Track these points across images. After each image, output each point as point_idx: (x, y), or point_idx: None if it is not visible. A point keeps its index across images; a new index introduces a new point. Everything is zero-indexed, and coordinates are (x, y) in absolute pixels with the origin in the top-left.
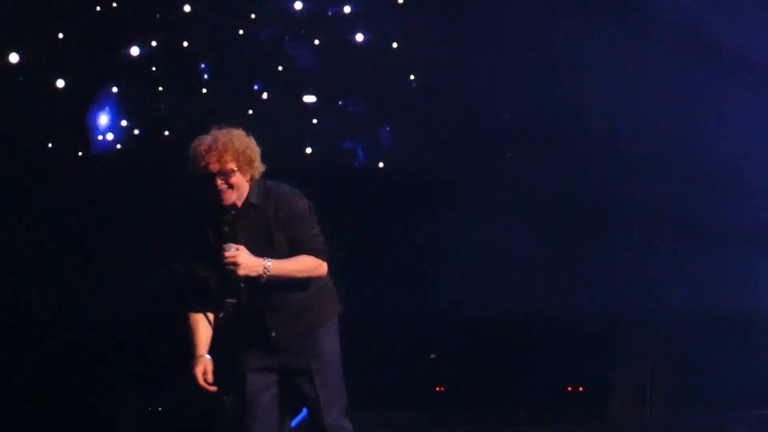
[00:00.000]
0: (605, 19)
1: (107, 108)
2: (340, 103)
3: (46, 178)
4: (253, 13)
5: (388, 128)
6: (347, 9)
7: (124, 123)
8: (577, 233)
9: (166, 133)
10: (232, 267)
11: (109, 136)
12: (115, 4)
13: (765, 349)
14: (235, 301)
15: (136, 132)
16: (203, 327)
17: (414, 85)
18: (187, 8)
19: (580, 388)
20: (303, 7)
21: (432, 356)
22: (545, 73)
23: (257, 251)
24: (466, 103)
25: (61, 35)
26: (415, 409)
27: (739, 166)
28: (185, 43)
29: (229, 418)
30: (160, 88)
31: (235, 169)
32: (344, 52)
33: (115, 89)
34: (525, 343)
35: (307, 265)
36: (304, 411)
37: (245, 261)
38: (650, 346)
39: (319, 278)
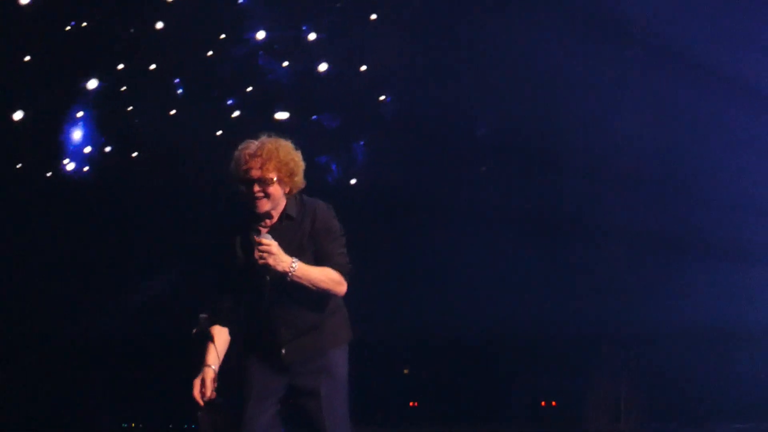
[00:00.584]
0: (583, 35)
1: (80, 128)
2: (314, 118)
3: (22, 197)
4: (225, 32)
5: (362, 143)
6: (319, 31)
7: (92, 145)
8: (554, 248)
9: (134, 154)
10: (264, 254)
11: (83, 154)
12: (84, 24)
13: (740, 364)
14: (207, 317)
15: (108, 149)
16: (221, 339)
17: (389, 100)
18: (159, 25)
19: (554, 403)
20: (275, 30)
21: (405, 371)
22: (521, 88)
23: None
24: (441, 119)
25: (28, 57)
26: (388, 425)
27: (718, 180)
28: (152, 66)
29: None
30: (130, 108)
31: (275, 179)
32: (318, 67)
33: (81, 113)
34: (500, 358)
35: (331, 278)
36: None
37: (278, 251)
38: (625, 361)
39: (334, 300)
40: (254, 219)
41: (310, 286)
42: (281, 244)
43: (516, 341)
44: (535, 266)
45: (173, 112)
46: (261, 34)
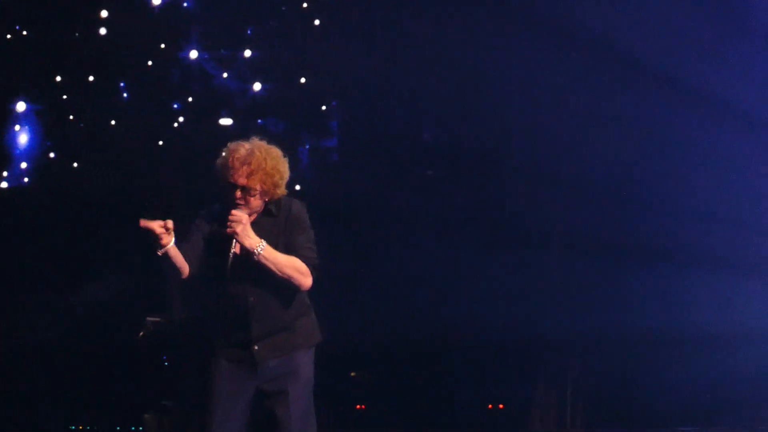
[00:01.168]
0: (526, 37)
1: (22, 136)
2: (259, 122)
3: None
4: (170, 36)
5: (307, 146)
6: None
7: (35, 152)
8: (499, 253)
9: (75, 164)
10: (233, 224)
11: (23, 165)
12: (25, 32)
13: (682, 368)
14: (157, 319)
15: (51, 155)
16: (183, 262)
17: (334, 104)
18: (102, 31)
19: (500, 405)
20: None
21: (352, 374)
22: (466, 92)
23: None
24: (387, 123)
25: None
26: (336, 428)
27: (660, 188)
28: (90, 78)
29: None
30: (71, 117)
31: (258, 190)
32: (263, 72)
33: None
34: (447, 362)
35: (296, 267)
36: None
37: (247, 225)
38: (571, 365)
39: (304, 302)
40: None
41: (276, 271)
42: (261, 235)
43: (463, 346)
44: (480, 272)
45: (114, 121)
46: (195, 53)
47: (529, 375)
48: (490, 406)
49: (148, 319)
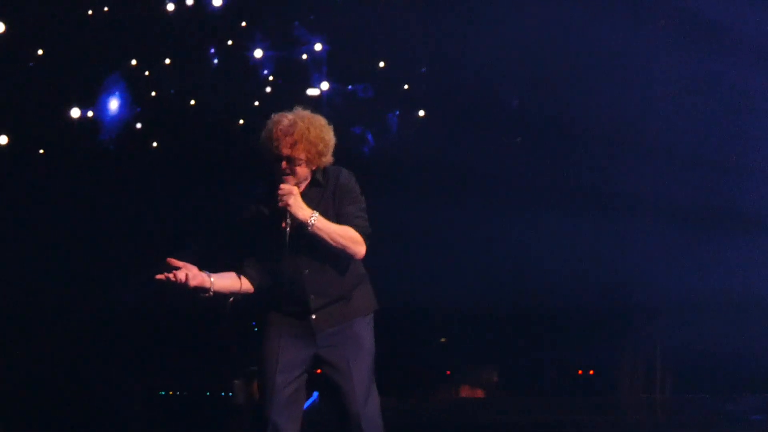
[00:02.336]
0: (612, 5)
1: (115, 100)
2: (349, 88)
3: (49, 172)
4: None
5: (397, 113)
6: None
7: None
8: (586, 219)
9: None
10: (284, 197)
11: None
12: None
13: None
14: (232, 300)
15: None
16: (231, 276)
17: (423, 70)
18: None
19: (591, 372)
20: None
21: (442, 340)
22: (551, 61)
23: None
24: (475, 90)
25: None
26: (425, 394)
27: (745, 151)
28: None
29: (238, 402)
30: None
31: (304, 159)
32: (352, 38)
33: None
34: (535, 328)
35: (349, 235)
36: (315, 395)
37: (298, 197)
38: (660, 330)
39: (360, 271)
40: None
41: (330, 241)
42: (312, 207)
43: (552, 312)
44: (569, 237)
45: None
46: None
47: (617, 341)
48: (580, 371)
49: (228, 300)
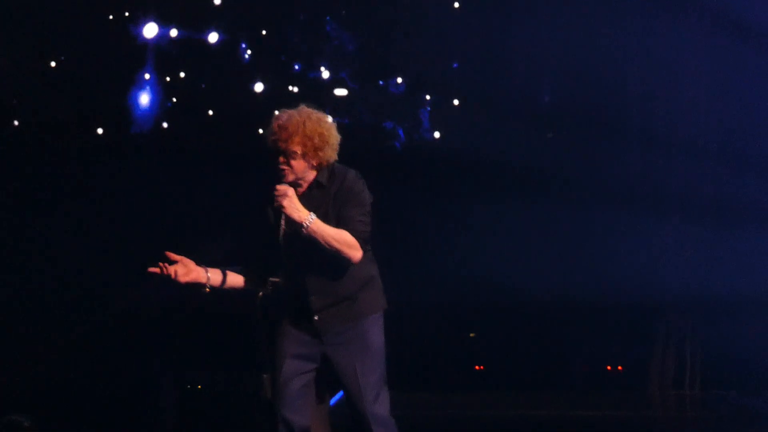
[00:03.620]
0: (640, 3)
1: (147, 92)
2: (380, 83)
3: (80, 164)
4: None
5: (428, 109)
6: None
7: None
8: (616, 216)
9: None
10: (279, 198)
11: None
12: None
13: None
14: (277, 280)
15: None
16: (231, 273)
17: (455, 66)
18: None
19: (620, 368)
20: None
21: (471, 335)
22: (582, 57)
23: None
24: (506, 85)
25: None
26: (453, 389)
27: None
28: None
29: (266, 397)
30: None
31: (299, 152)
32: (385, 32)
33: (147, 75)
34: (565, 323)
35: (344, 239)
36: (341, 393)
37: (294, 197)
38: (690, 327)
39: (367, 272)
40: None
41: (324, 244)
42: (310, 207)
43: (582, 307)
44: (599, 234)
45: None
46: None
47: (647, 336)
48: (609, 367)
49: (270, 279)
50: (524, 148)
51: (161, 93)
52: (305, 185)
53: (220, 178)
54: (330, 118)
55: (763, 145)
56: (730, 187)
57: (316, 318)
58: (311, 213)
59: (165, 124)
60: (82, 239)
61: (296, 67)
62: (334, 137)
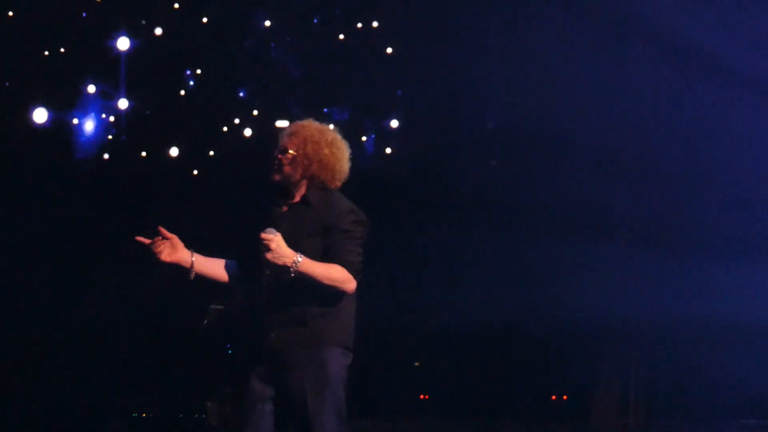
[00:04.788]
0: (589, 27)
1: (92, 119)
2: (324, 110)
3: (41, 181)
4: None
5: (372, 136)
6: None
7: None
8: (562, 242)
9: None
10: (264, 250)
11: (92, 150)
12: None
13: (748, 359)
14: (221, 307)
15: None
16: (218, 265)
17: (399, 93)
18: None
19: (564, 397)
20: (288, 17)
21: (416, 364)
22: (527, 82)
23: (292, 246)
24: (450, 112)
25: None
26: (398, 418)
27: (725, 176)
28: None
29: (212, 424)
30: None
31: (292, 152)
32: (329, 59)
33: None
34: (509, 351)
35: (336, 275)
36: None
37: (278, 247)
38: (634, 355)
39: (332, 300)
40: (277, 199)
41: (316, 281)
42: (292, 226)
43: (525, 336)
44: (543, 261)
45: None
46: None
47: (591, 366)
48: (553, 397)
49: (212, 306)
50: (468, 175)
51: (106, 120)
52: (297, 197)
53: (167, 204)
54: (345, 150)
55: (710, 170)
56: (677, 214)
57: (273, 334)
58: (297, 254)
59: (106, 156)
60: (25, 260)
61: (241, 94)
62: (337, 162)
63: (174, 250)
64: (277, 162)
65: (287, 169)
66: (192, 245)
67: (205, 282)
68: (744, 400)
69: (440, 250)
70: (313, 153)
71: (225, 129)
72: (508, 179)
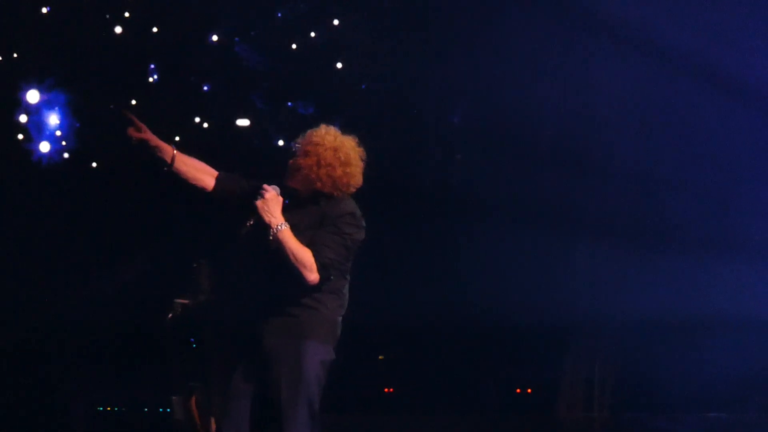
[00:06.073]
0: (555, 22)
1: (57, 111)
2: (289, 105)
3: (2, 179)
4: (200, 17)
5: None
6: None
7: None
8: (527, 237)
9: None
10: (259, 197)
11: (52, 146)
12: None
13: (711, 353)
14: (185, 302)
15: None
16: (202, 168)
17: (363, 87)
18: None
19: (529, 390)
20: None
21: (380, 357)
22: (495, 76)
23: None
24: (416, 106)
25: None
26: (363, 411)
27: (691, 173)
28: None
29: (177, 418)
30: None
31: (305, 173)
32: (293, 54)
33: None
34: (474, 345)
35: (303, 259)
36: None
37: (271, 201)
38: (598, 350)
39: (309, 295)
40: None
41: (284, 254)
42: (294, 217)
43: (490, 330)
44: (509, 256)
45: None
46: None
47: (556, 359)
48: (518, 390)
49: (176, 301)
50: (434, 169)
51: (70, 115)
52: (303, 196)
53: (133, 199)
54: (360, 162)
55: (676, 166)
56: (643, 209)
57: (255, 324)
58: (284, 222)
59: (66, 155)
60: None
61: (205, 87)
62: (351, 179)
63: (156, 139)
64: (289, 174)
65: (298, 184)
66: (164, 237)
67: (180, 182)
68: (707, 394)
69: (405, 244)
70: (325, 175)
71: (189, 122)
72: (474, 174)
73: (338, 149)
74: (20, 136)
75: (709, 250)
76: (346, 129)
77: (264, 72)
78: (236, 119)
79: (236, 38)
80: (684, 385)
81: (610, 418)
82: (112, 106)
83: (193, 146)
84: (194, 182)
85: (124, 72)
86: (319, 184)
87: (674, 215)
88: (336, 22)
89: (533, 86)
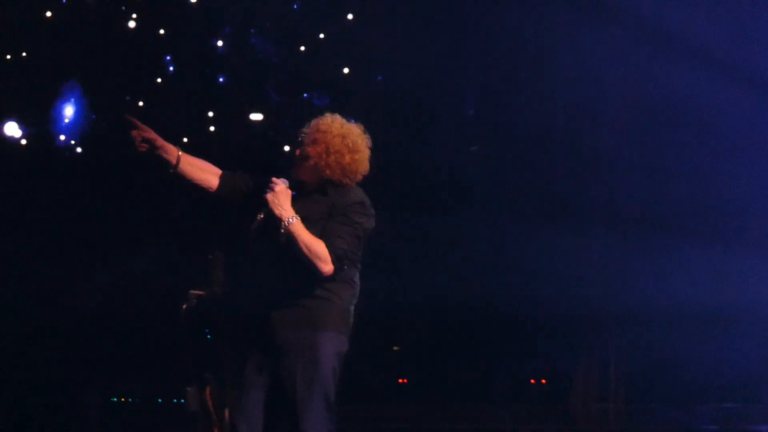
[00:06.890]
0: (568, 13)
1: (71, 102)
2: (304, 96)
3: (19, 171)
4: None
5: (352, 121)
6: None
7: (87, 117)
8: (542, 228)
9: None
10: (269, 190)
11: (70, 138)
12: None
13: (726, 343)
14: (201, 293)
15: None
16: (206, 168)
17: (379, 78)
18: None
19: (543, 381)
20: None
21: (395, 348)
22: (510, 68)
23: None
24: (431, 98)
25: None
26: (377, 402)
27: (705, 160)
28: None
29: (191, 409)
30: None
31: (313, 162)
32: (309, 45)
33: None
34: (489, 336)
35: (317, 251)
36: None
37: (281, 194)
38: (613, 340)
39: (321, 287)
40: (294, 186)
41: (296, 247)
42: (303, 209)
43: (505, 321)
44: (523, 247)
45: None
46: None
47: (571, 350)
48: (533, 381)
49: (191, 292)
50: (448, 160)
51: (85, 106)
52: (311, 187)
53: (143, 194)
54: (367, 149)
55: (686, 158)
56: (654, 201)
57: (269, 316)
58: (296, 215)
59: (79, 150)
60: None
61: (221, 79)
62: (359, 166)
63: (161, 140)
64: (297, 165)
65: (307, 175)
66: (172, 232)
67: (185, 183)
68: (722, 384)
69: (420, 236)
70: (334, 162)
71: (210, 114)
72: (487, 166)
73: (346, 136)
74: (36, 130)
75: (722, 240)
76: (359, 120)
77: (279, 62)
78: (250, 113)
79: (251, 29)
80: (698, 375)
81: (623, 409)
82: (118, 109)
83: (206, 141)
84: (198, 182)
85: (137, 66)
86: (328, 172)
87: (688, 207)
88: (350, 16)
89: (542, 78)
